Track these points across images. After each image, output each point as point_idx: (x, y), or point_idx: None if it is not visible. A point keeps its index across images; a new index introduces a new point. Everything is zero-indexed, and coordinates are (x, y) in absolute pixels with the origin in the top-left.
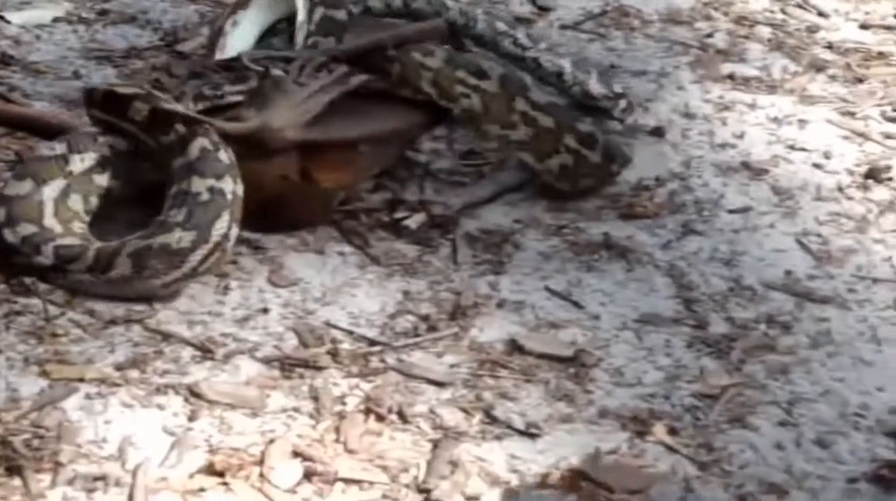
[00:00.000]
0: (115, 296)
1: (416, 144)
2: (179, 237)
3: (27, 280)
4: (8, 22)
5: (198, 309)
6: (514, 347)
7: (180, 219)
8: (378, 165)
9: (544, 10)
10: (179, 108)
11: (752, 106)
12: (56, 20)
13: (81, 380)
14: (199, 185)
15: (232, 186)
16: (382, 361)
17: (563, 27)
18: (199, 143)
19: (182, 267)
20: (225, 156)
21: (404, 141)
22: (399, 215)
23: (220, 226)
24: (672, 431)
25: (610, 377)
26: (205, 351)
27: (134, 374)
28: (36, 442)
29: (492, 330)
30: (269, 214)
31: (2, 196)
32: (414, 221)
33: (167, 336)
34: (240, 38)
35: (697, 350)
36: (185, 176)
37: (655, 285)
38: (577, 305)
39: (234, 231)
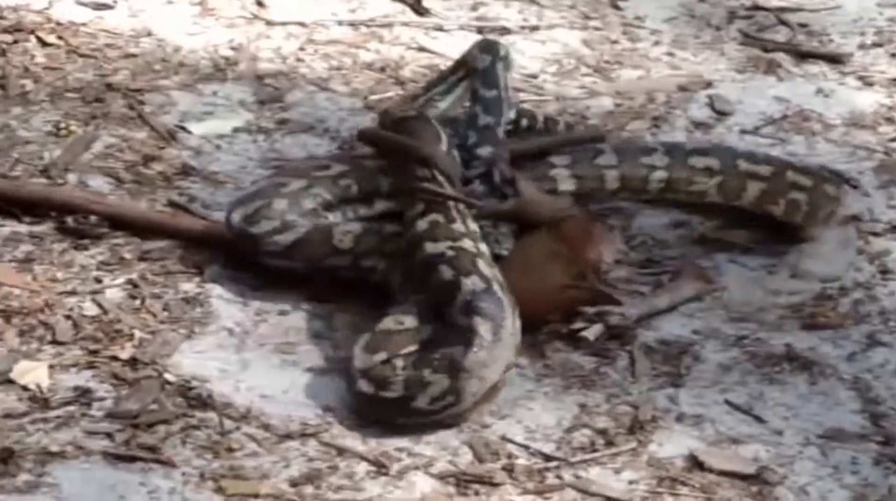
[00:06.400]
0: None
1: None
2: None
3: (204, 394)
4: (189, 132)
5: (372, 422)
6: (695, 463)
7: None
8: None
9: (723, 114)
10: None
11: None
12: (236, 130)
13: (256, 496)
14: None
15: None
16: (559, 477)
17: (743, 132)
18: None
19: None
20: None
21: None
22: (576, 325)
23: None
24: None
25: (795, 495)
26: (379, 466)
27: (308, 490)
28: None
29: (671, 445)
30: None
31: None
32: (591, 332)
33: (342, 451)
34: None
35: (886, 468)
36: None
37: (840, 399)
38: (758, 419)
39: None
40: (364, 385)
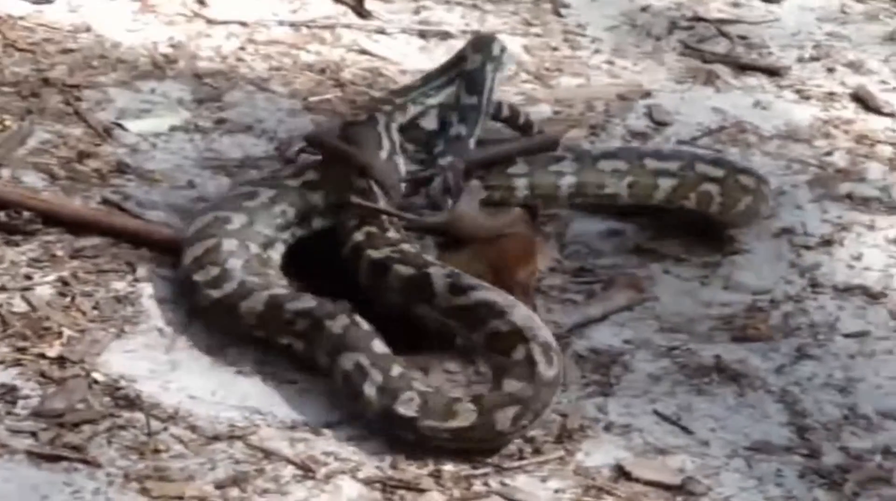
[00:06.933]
0: None
1: None
2: None
3: (132, 395)
4: (126, 130)
5: (301, 425)
6: (621, 473)
7: None
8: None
9: (661, 124)
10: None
11: (871, 227)
12: (173, 129)
13: (181, 498)
14: None
15: None
16: (486, 484)
17: (680, 142)
18: None
19: None
20: None
21: None
22: None
23: None
24: None
25: None
26: (306, 470)
27: (234, 493)
28: None
29: (598, 454)
30: None
31: None
32: None
33: (269, 454)
34: None
35: (810, 481)
36: None
37: (767, 412)
38: (686, 430)
39: None
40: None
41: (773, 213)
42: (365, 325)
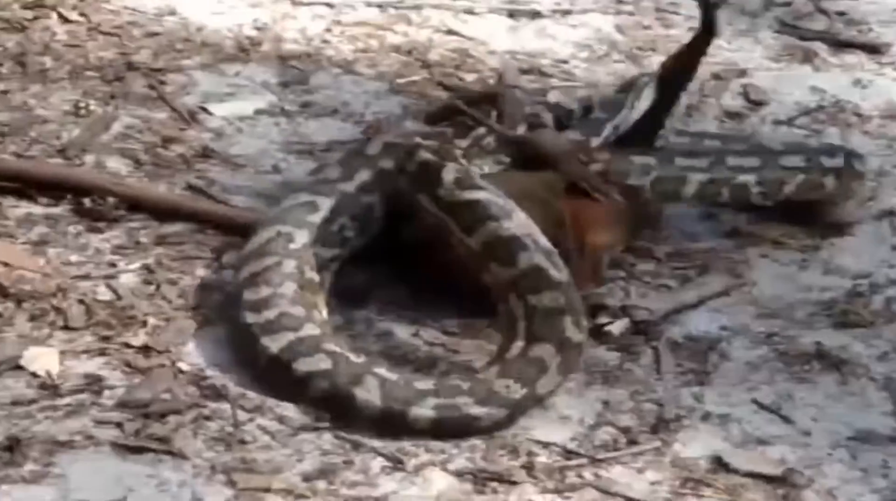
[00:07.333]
0: None
1: None
2: None
3: (218, 385)
4: (211, 114)
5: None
6: (719, 464)
7: None
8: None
9: (757, 104)
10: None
11: None
12: (258, 112)
13: (268, 490)
14: None
15: None
16: (580, 476)
17: (777, 122)
18: None
19: None
20: None
21: None
22: (601, 320)
23: None
24: None
25: (822, 499)
26: (395, 462)
27: (322, 485)
28: None
29: (695, 445)
30: None
31: None
32: (616, 327)
33: (357, 445)
34: None
35: None
36: None
37: (871, 400)
38: (786, 420)
39: None
40: None
41: (874, 194)
42: (394, 376)
